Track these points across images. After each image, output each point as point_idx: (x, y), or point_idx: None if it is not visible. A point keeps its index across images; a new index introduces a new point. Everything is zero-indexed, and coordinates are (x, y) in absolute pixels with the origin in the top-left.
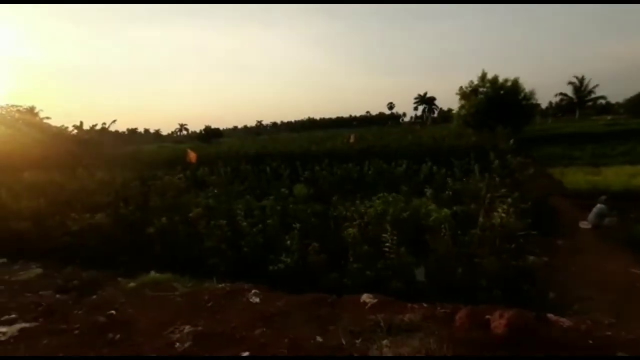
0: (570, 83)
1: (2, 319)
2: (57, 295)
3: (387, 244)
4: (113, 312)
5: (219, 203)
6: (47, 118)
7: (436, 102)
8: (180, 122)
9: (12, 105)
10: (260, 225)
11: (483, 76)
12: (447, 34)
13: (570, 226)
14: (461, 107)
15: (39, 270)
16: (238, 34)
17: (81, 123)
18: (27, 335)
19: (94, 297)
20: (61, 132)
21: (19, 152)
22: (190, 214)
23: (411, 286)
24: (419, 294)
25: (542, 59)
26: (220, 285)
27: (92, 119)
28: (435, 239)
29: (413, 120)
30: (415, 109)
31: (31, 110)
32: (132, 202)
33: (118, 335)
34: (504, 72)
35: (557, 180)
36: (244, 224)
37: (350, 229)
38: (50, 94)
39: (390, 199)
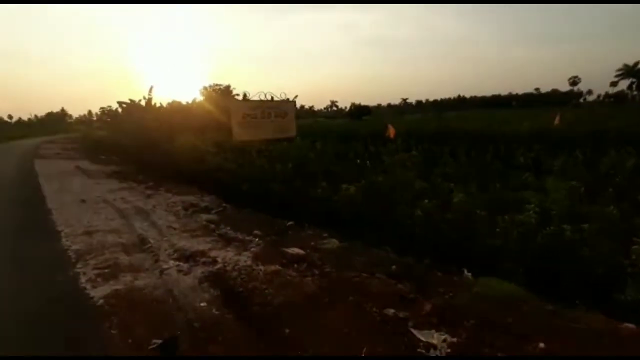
0: None
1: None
2: (399, 285)
3: None
4: (542, 344)
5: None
6: (238, 95)
7: None
8: (331, 99)
9: (215, 85)
10: (550, 227)
11: None
12: None
13: None
14: None
15: (336, 241)
16: (383, 8)
17: (272, 98)
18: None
19: (446, 297)
20: None
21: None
22: (455, 200)
23: None
24: None
25: None
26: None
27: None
28: None
29: (601, 98)
30: (614, 84)
31: (227, 88)
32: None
33: None
34: None
35: None
36: (566, 227)
37: None
38: (236, 76)
39: None
